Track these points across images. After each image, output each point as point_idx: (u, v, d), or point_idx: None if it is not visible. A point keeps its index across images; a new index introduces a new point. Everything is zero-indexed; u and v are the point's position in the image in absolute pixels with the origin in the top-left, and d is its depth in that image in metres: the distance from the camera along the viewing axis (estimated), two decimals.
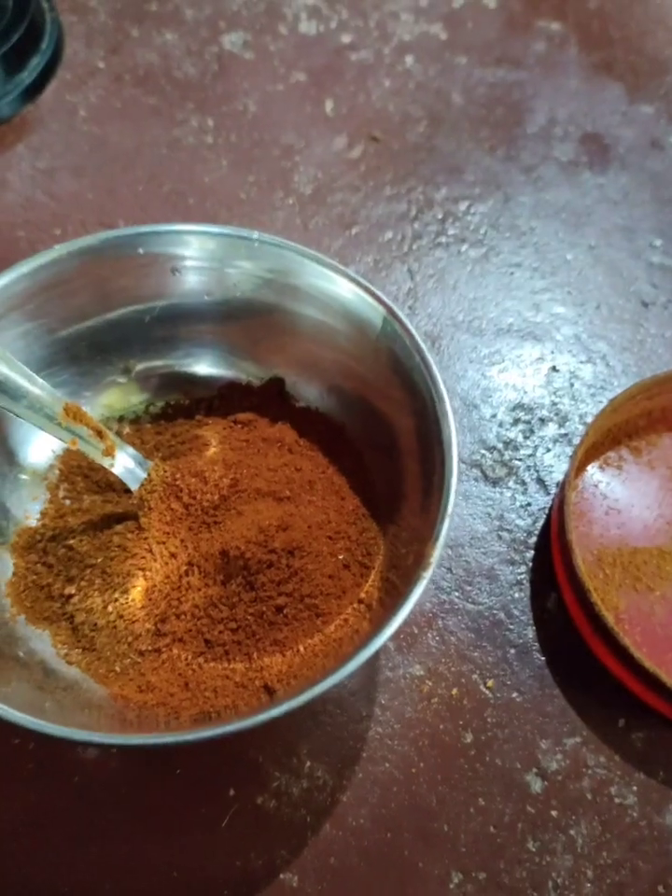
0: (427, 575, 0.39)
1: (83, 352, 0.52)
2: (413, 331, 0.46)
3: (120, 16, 0.75)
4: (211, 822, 0.45)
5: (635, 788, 0.47)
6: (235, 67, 0.73)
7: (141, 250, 0.49)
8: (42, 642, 0.47)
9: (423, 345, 0.45)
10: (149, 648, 0.45)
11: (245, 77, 0.72)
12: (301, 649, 0.45)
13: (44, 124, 0.68)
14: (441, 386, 0.44)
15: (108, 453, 0.47)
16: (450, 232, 0.65)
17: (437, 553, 0.40)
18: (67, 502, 0.51)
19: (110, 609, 0.46)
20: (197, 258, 0.50)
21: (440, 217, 0.66)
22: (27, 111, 0.69)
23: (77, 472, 0.52)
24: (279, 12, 0.76)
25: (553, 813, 0.46)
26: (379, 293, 0.47)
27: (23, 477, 0.51)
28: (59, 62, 0.72)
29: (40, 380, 0.45)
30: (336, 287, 0.48)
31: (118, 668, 0.45)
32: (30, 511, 0.51)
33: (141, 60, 0.72)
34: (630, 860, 0.45)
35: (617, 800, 0.47)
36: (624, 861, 0.45)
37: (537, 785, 0.47)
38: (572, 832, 0.46)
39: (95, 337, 0.52)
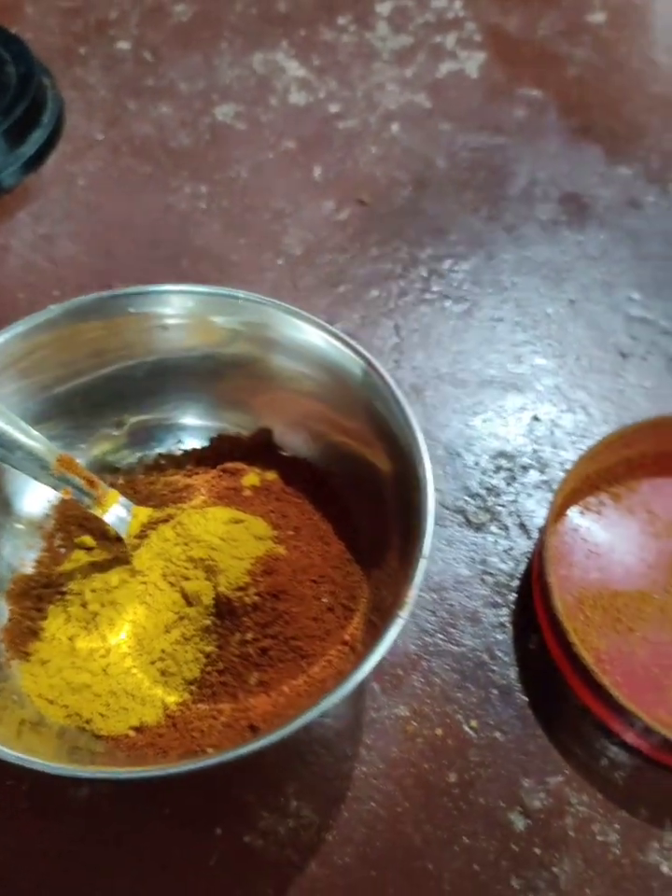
0: (404, 615, 0.40)
1: (77, 406, 0.54)
2: (391, 381, 0.48)
3: (119, 90, 0.79)
4: (199, 861, 0.45)
5: (617, 826, 0.47)
6: (228, 137, 0.76)
7: (132, 309, 0.51)
8: None
9: (399, 393, 0.47)
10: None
11: (237, 146, 0.75)
12: (286, 689, 0.46)
13: (45, 193, 0.72)
14: (417, 431, 0.46)
15: (100, 502, 0.49)
16: (434, 289, 0.68)
17: (413, 593, 0.41)
18: (62, 550, 0.53)
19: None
20: (184, 315, 0.52)
21: (424, 275, 0.68)
22: (29, 181, 0.72)
23: (73, 521, 0.54)
24: (270, 85, 0.80)
25: (537, 851, 0.47)
26: (357, 346, 0.49)
27: (19, 526, 0.53)
28: (59, 134, 0.75)
29: (35, 432, 0.47)
30: (316, 341, 0.51)
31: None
32: (25, 559, 0.52)
33: (138, 131, 0.76)
34: None
35: (600, 838, 0.47)
36: None
37: (520, 823, 0.47)
38: (555, 869, 0.46)
39: (89, 392, 0.54)
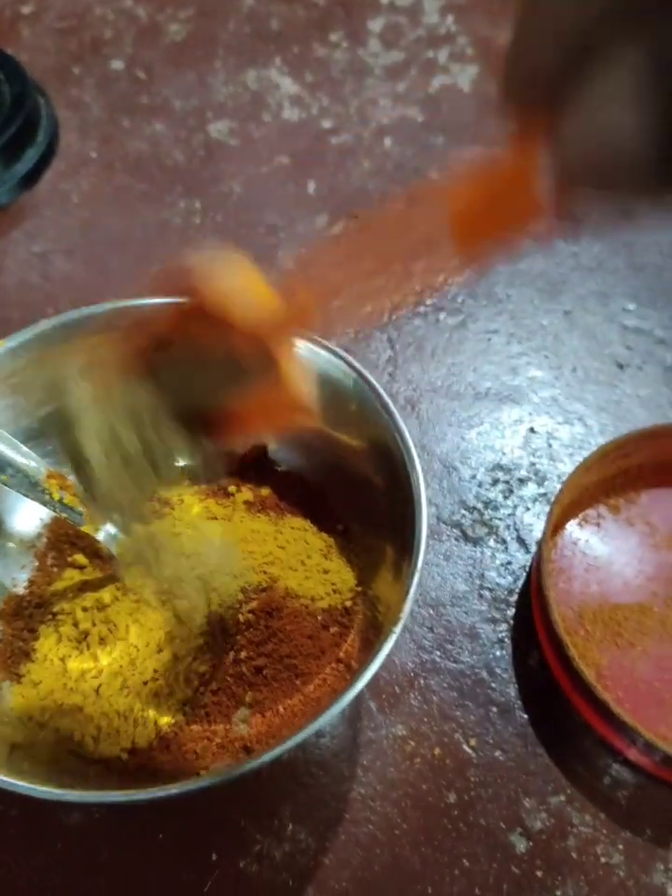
0: (398, 629, 0.40)
1: None
2: (381, 391, 0.47)
3: (113, 108, 0.79)
4: (193, 887, 0.44)
5: (621, 846, 0.46)
6: (221, 153, 0.76)
7: (121, 323, 0.51)
8: None
9: (391, 405, 0.46)
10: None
11: (231, 162, 0.75)
12: (281, 709, 0.45)
13: (39, 211, 0.71)
14: (410, 443, 0.45)
15: (90, 519, 0.48)
16: (428, 302, 0.67)
17: (407, 608, 0.40)
18: (55, 569, 0.52)
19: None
20: None
21: (418, 288, 0.68)
22: (23, 199, 0.72)
23: (65, 540, 0.53)
24: (263, 101, 0.80)
25: (539, 873, 0.45)
26: (349, 358, 0.48)
27: (10, 545, 0.52)
28: (54, 152, 0.75)
29: (25, 448, 0.46)
30: (309, 354, 0.50)
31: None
32: (17, 579, 0.52)
33: (132, 148, 0.76)
34: None
35: (603, 859, 0.46)
36: None
37: (521, 845, 0.46)
38: (558, 893, 0.45)
39: None
